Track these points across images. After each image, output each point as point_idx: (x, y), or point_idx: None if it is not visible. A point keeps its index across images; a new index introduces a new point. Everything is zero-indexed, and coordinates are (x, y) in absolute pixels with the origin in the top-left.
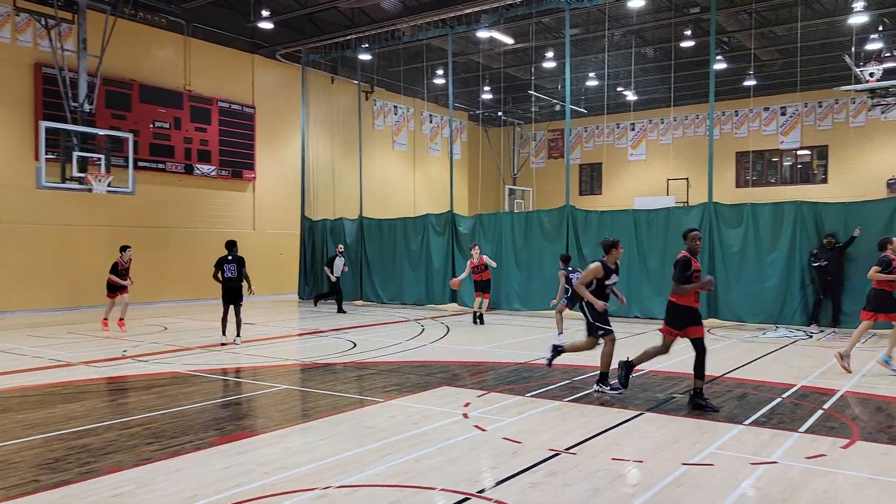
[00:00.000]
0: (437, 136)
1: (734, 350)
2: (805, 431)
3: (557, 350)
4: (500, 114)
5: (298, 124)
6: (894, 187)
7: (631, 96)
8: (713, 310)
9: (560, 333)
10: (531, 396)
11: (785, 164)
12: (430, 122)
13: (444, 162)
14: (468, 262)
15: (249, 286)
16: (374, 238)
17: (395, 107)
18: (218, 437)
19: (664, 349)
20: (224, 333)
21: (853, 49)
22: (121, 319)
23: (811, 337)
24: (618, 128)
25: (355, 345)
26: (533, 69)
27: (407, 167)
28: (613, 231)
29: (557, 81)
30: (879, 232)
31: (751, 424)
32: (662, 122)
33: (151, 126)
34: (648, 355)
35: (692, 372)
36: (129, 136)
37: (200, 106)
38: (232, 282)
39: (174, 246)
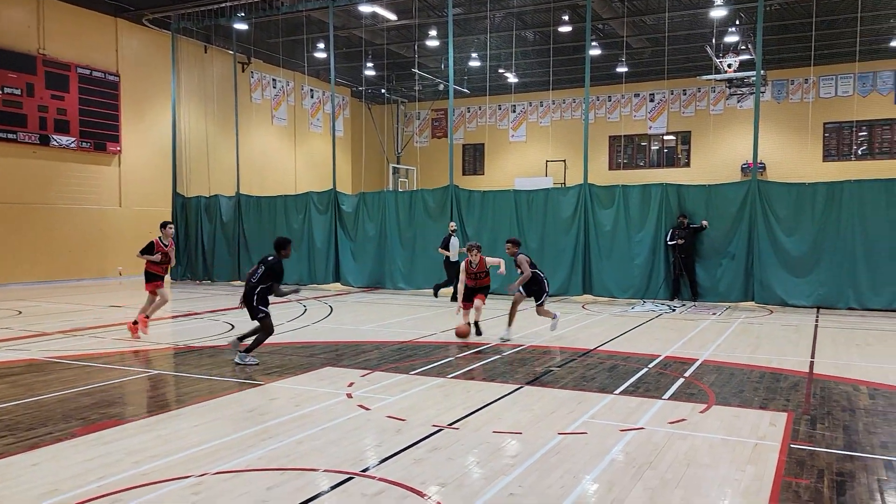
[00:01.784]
0: (319, 111)
1: (606, 324)
2: (668, 398)
3: None
4: (383, 91)
5: (169, 95)
6: (747, 171)
7: (512, 79)
8: (587, 286)
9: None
10: (415, 374)
11: (653, 148)
12: (312, 97)
13: (326, 138)
14: (463, 263)
15: (251, 306)
16: (252, 216)
17: (274, 80)
18: (81, 427)
19: None
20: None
21: (714, 41)
22: (147, 317)
23: (674, 310)
24: (499, 109)
25: (234, 326)
26: (416, 47)
27: (287, 143)
28: (496, 211)
29: (441, 60)
30: (735, 212)
31: (620, 394)
32: (542, 105)
33: (0, 92)
34: None
35: (575, 346)
36: None
37: (57, 72)
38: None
39: (29, 223)
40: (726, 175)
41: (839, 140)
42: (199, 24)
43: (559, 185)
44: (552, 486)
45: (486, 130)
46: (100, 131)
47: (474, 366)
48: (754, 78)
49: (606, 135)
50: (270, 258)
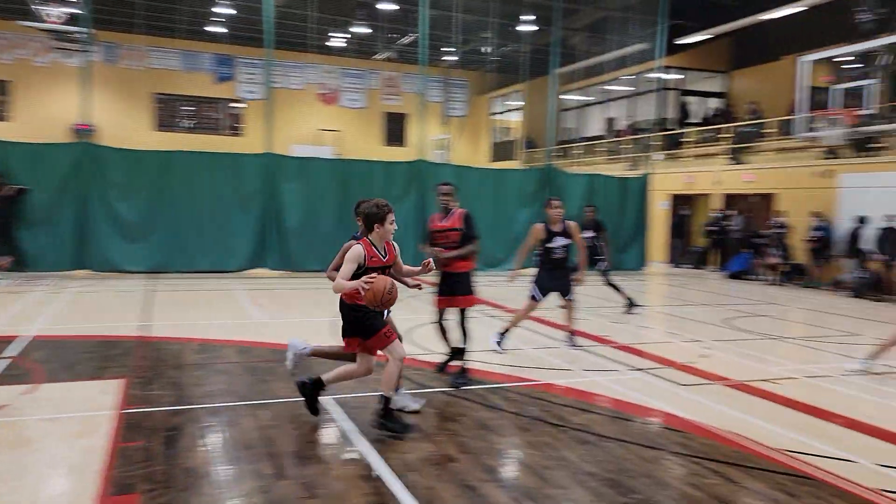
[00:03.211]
0: None
1: None
2: None
3: None
4: None
5: None
6: (82, 134)
7: None
8: None
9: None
10: None
11: None
12: None
13: None
14: (358, 247)
15: None
16: None
17: None
18: None
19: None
20: None
21: None
22: None
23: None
24: None
25: None
26: None
27: None
28: None
29: None
30: (65, 175)
31: None
32: None
33: None
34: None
35: None
36: None
37: None
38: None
39: None
40: (56, 134)
41: (170, 112)
42: None
43: None
44: None
45: None
46: None
47: None
48: (80, 34)
49: None
50: None
